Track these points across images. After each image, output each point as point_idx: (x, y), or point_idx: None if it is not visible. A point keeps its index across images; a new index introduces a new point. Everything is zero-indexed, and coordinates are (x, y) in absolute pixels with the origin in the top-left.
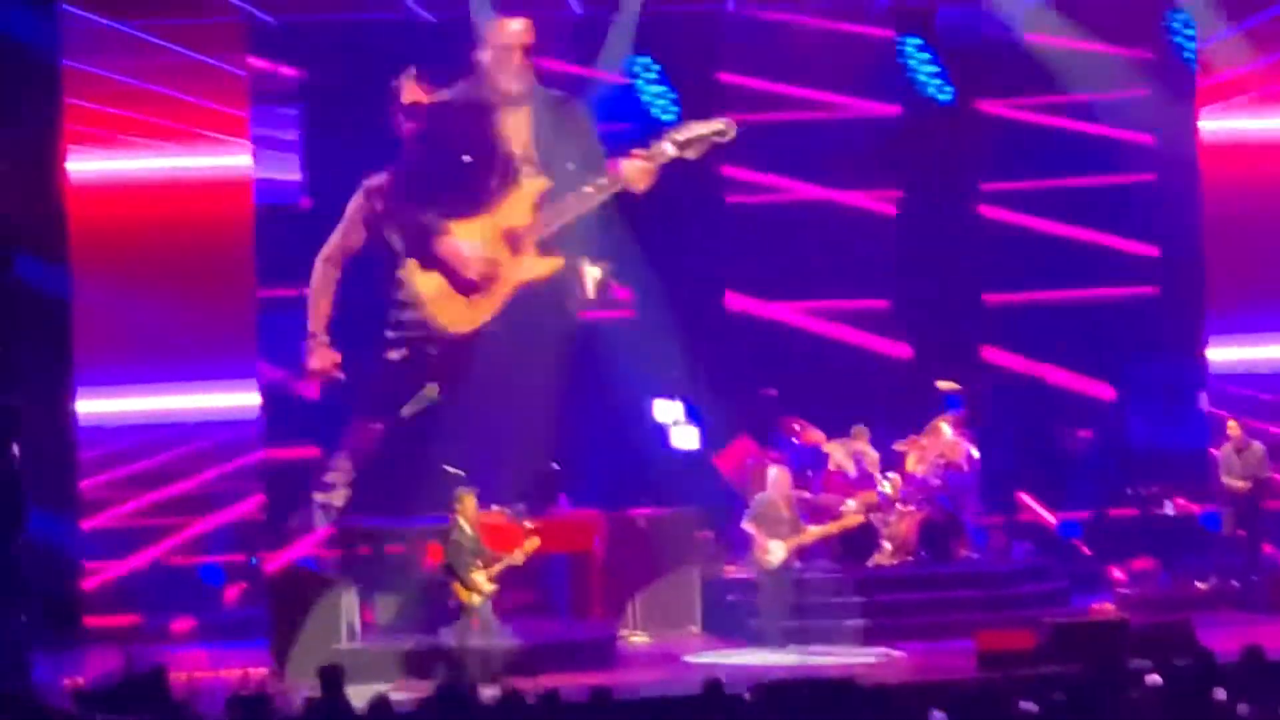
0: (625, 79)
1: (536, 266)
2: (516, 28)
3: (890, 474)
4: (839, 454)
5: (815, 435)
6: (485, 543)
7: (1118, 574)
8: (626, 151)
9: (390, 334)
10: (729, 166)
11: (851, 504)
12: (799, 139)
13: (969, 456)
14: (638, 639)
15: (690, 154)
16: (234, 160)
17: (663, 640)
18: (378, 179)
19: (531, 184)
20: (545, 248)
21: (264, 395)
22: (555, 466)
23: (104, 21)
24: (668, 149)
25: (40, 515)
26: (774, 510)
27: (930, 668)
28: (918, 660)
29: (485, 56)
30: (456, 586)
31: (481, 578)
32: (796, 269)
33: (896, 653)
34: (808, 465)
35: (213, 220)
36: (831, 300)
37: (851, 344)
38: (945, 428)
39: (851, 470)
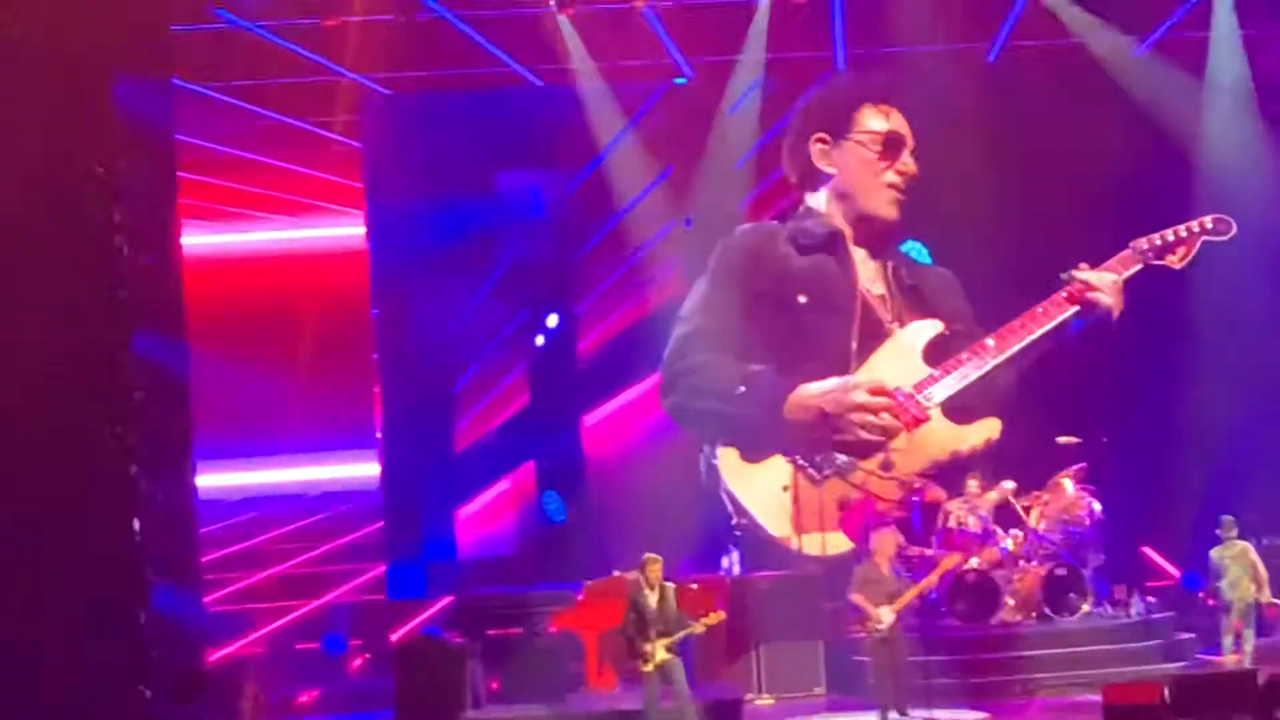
0: None
1: None
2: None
3: (1013, 530)
4: (959, 511)
5: (937, 493)
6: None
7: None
8: None
9: None
10: None
11: (974, 561)
12: None
13: (1091, 511)
14: (763, 702)
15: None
16: (349, 231)
17: (788, 702)
18: None
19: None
20: None
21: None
22: None
23: (217, 96)
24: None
25: (163, 590)
26: (876, 574)
27: None
28: (1044, 717)
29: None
30: (632, 653)
31: (654, 647)
32: None
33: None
34: (930, 523)
35: (329, 291)
36: None
37: None
38: (1068, 483)
39: (974, 526)
